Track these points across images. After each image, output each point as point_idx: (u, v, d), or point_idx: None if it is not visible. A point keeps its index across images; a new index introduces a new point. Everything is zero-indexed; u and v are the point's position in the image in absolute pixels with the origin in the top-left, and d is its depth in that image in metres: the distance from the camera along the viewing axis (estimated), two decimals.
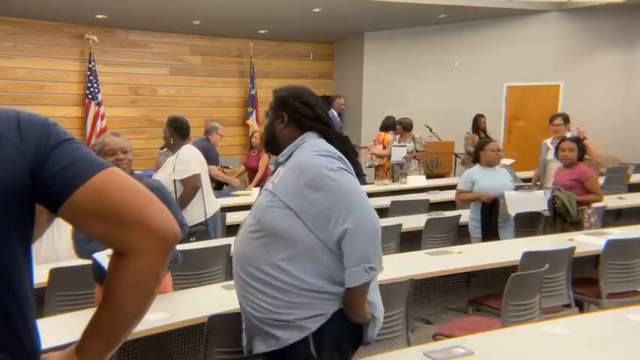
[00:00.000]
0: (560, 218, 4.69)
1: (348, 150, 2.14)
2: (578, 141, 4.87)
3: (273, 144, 2.19)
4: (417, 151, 7.69)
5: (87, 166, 1.00)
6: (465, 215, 4.98)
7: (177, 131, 4.52)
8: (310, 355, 2.00)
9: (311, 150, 2.05)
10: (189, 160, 4.49)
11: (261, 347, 2.06)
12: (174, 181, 4.42)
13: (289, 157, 2.11)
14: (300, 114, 2.13)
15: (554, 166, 5.84)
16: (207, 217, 4.57)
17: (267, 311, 2.02)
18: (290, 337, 2.00)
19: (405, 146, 7.65)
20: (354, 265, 1.94)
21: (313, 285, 1.99)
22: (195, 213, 4.48)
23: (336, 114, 8.84)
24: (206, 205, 4.57)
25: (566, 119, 6.32)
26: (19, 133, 0.99)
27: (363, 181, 8.08)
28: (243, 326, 2.16)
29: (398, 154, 7.67)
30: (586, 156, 5.43)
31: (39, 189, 0.99)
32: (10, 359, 0.99)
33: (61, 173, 0.98)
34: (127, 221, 0.98)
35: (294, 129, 2.14)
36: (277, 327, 2.01)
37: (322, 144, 2.09)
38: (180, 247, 3.22)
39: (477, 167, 4.90)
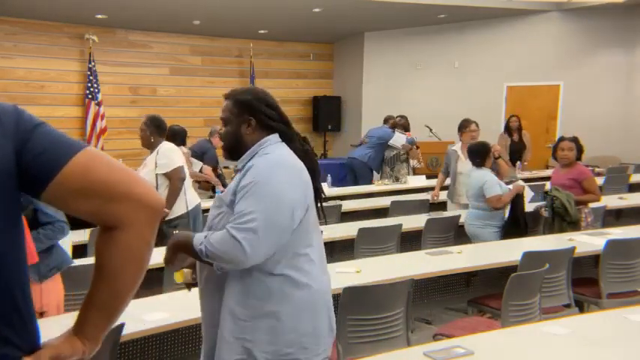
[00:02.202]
0: (558, 218, 4.69)
1: (307, 150, 2.10)
2: (577, 140, 4.86)
3: (239, 150, 2.09)
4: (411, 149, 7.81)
5: (68, 146, 1.03)
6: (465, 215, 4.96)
7: (158, 129, 4.66)
8: None
9: (268, 159, 1.97)
10: (169, 154, 4.62)
11: None
12: (157, 176, 4.53)
13: (247, 162, 2.02)
14: (267, 117, 2.06)
15: (466, 179, 5.32)
16: (189, 209, 4.71)
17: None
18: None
19: (407, 136, 7.75)
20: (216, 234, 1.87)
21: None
22: (176, 205, 4.62)
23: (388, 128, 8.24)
24: (187, 197, 4.72)
25: (478, 125, 5.91)
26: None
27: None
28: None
29: (398, 139, 7.74)
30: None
31: (23, 172, 1.01)
32: (17, 340, 1.02)
33: (45, 154, 1.01)
34: (115, 195, 1.01)
35: (261, 133, 2.06)
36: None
37: (278, 151, 2.01)
38: None
39: (487, 171, 4.78)
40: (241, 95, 2.09)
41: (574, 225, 4.66)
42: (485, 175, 4.73)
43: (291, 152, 2.03)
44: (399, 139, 7.79)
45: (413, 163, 7.90)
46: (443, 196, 6.60)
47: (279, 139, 2.06)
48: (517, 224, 4.69)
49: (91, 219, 1.04)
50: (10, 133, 1.00)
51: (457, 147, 5.84)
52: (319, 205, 2.09)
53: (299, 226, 1.95)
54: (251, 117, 2.05)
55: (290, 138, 2.08)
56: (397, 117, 8.33)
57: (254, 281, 1.91)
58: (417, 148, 7.91)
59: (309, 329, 1.96)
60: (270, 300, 1.91)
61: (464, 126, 5.89)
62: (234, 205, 1.91)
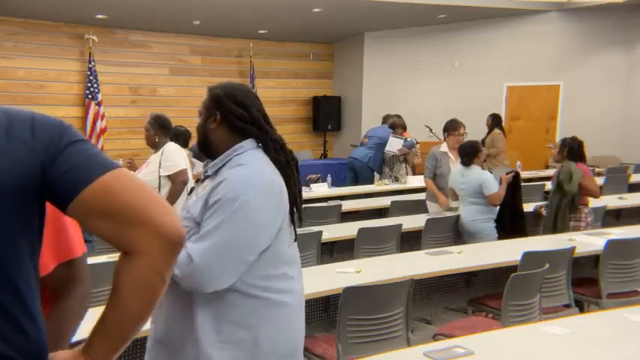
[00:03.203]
0: (559, 190, 4.71)
1: (282, 161, 1.92)
2: (572, 139, 4.92)
3: (206, 146, 1.99)
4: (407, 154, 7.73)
5: (95, 166, 1.02)
6: None
7: (162, 129, 4.63)
8: None
9: (243, 174, 1.84)
10: (175, 155, 4.59)
11: None
12: (160, 177, 4.50)
13: (219, 169, 1.90)
14: (233, 115, 1.91)
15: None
16: None
17: None
18: None
19: (404, 139, 7.70)
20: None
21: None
22: (177, 209, 4.55)
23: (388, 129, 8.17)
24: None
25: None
26: (32, 132, 1.02)
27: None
28: None
29: (394, 144, 7.68)
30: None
31: (48, 187, 1.02)
32: (14, 354, 1.01)
33: (70, 172, 1.01)
34: (133, 221, 0.99)
35: (228, 132, 1.93)
36: None
37: (254, 164, 1.88)
38: None
39: (479, 168, 4.86)
40: (216, 89, 2.00)
41: (571, 204, 4.69)
42: (483, 173, 4.82)
43: (269, 162, 1.90)
44: (394, 144, 7.74)
45: (414, 160, 7.86)
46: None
47: (255, 146, 1.93)
48: (503, 218, 4.79)
49: (109, 242, 1.03)
50: (40, 148, 1.01)
51: (445, 149, 5.48)
52: (293, 220, 1.95)
53: (272, 246, 1.85)
54: (217, 112, 1.94)
55: (264, 144, 1.94)
56: (393, 116, 8.32)
57: (228, 305, 1.81)
58: (417, 143, 7.85)
59: (288, 350, 1.88)
60: (246, 324, 1.81)
61: (453, 128, 5.46)
62: (203, 221, 1.81)
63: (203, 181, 1.97)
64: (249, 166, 1.86)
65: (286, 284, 1.90)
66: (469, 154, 4.86)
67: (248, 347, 1.81)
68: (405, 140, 7.77)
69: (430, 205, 5.59)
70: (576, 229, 4.69)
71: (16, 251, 1.02)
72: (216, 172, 1.90)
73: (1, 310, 1.01)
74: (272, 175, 1.88)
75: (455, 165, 5.35)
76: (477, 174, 4.79)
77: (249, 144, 1.92)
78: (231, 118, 1.92)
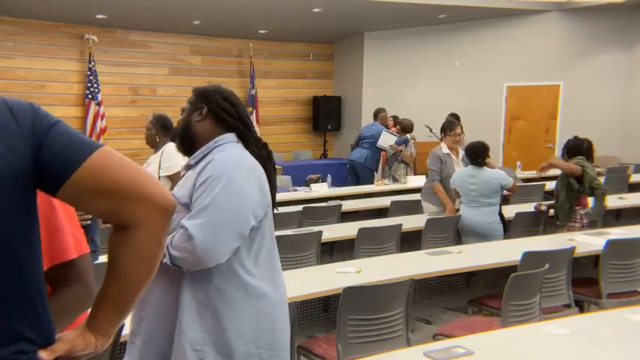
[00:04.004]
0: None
1: (263, 156, 2.00)
2: (573, 140, 4.93)
3: (187, 139, 2.02)
4: (400, 151, 7.67)
5: (83, 146, 1.05)
6: None
7: (165, 129, 4.61)
8: None
9: (227, 157, 1.91)
10: (175, 156, 4.55)
11: None
12: (159, 178, 4.49)
13: (200, 160, 1.96)
14: (220, 108, 1.99)
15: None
16: None
17: None
18: None
19: (397, 136, 7.68)
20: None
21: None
22: None
23: (380, 125, 8.29)
24: None
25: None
26: (15, 119, 1.02)
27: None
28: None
29: (387, 139, 7.68)
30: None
31: (40, 171, 1.03)
32: (32, 336, 1.05)
33: (61, 153, 1.02)
34: (128, 195, 1.03)
35: (212, 125, 1.99)
36: None
37: (236, 151, 1.95)
38: None
39: (488, 168, 4.88)
40: (203, 86, 2.08)
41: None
42: (495, 171, 4.88)
43: (249, 154, 1.97)
44: (386, 139, 7.74)
45: (407, 154, 7.81)
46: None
47: (235, 140, 1.99)
48: None
49: (105, 218, 1.07)
50: (28, 135, 1.02)
51: (446, 150, 5.33)
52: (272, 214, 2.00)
53: (257, 231, 1.90)
54: (204, 105, 2.01)
55: (246, 140, 2.00)
56: (384, 110, 8.35)
57: (214, 290, 1.85)
58: (412, 139, 7.80)
59: (269, 342, 1.90)
60: (229, 311, 1.85)
61: (449, 128, 5.36)
62: (190, 205, 1.85)
63: (185, 173, 2.04)
64: (231, 152, 1.93)
65: (270, 275, 1.94)
66: (481, 154, 4.78)
67: (230, 334, 1.85)
68: (399, 137, 7.74)
69: (426, 205, 5.48)
70: (572, 229, 4.68)
71: (29, 241, 1.05)
72: (197, 163, 1.96)
73: (28, 299, 1.04)
74: (254, 163, 1.96)
75: (458, 165, 5.28)
76: (492, 173, 4.78)
77: (229, 137, 1.99)
78: (218, 111, 1.99)
